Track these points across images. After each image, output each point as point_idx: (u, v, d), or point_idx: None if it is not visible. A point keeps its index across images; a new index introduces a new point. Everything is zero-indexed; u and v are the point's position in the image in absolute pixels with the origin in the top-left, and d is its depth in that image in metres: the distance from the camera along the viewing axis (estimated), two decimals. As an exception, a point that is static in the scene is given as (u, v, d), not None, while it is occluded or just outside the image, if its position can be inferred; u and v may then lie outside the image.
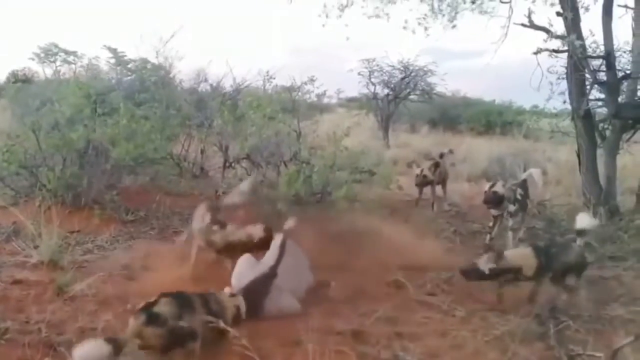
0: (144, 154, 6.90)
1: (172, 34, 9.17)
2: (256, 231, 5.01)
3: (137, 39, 9.37)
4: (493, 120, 22.03)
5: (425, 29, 8.94)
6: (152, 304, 3.32)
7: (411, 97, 19.29)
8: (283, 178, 6.53)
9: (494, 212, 6.69)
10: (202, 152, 9.19)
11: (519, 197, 6.62)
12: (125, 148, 6.50)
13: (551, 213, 7.42)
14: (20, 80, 15.59)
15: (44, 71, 21.67)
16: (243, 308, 3.83)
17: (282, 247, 4.72)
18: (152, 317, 3.24)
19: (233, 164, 8.51)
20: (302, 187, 6.44)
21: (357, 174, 6.95)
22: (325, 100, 19.58)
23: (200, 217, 5.34)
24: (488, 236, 6.75)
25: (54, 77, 14.10)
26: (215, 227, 5.14)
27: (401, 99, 18.67)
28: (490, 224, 6.79)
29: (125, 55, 10.54)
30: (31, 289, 4.60)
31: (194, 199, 7.57)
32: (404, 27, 9.08)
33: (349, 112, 22.00)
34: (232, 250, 5.02)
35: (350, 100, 24.84)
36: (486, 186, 6.67)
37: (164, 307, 3.31)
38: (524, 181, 6.92)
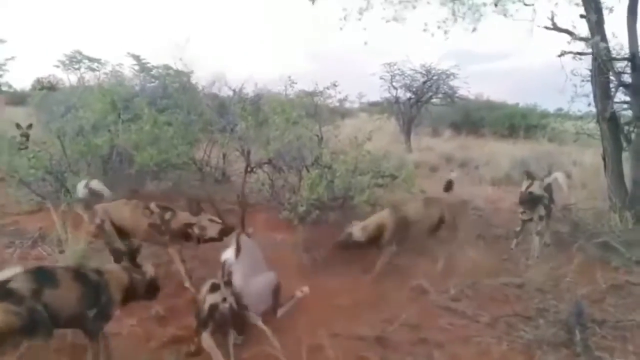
0: (167, 159, 6.95)
1: (188, 38, 9.22)
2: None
3: (159, 46, 9.43)
4: (517, 123, 21.83)
5: (445, 32, 8.91)
6: (6, 280, 3.17)
7: (433, 100, 19.16)
8: (305, 182, 6.51)
9: (523, 216, 6.60)
10: (224, 157, 9.21)
11: (546, 201, 6.54)
12: (149, 153, 6.56)
13: (576, 217, 7.29)
14: (46, 87, 15.83)
15: (68, 78, 21.97)
16: (150, 273, 3.81)
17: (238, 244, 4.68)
18: (6, 293, 3.10)
19: (255, 169, 8.50)
20: (324, 192, 6.41)
21: (379, 178, 6.90)
22: (347, 104, 19.53)
23: None
24: (514, 241, 6.66)
25: (78, 84, 14.27)
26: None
27: (423, 102, 18.58)
28: (517, 228, 6.68)
29: (149, 62, 10.64)
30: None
31: (216, 204, 7.59)
32: (424, 30, 9.04)
33: (371, 117, 21.92)
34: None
35: (372, 104, 24.80)
36: (523, 186, 6.51)
37: (20, 284, 3.17)
38: (549, 185, 6.82)
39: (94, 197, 5.32)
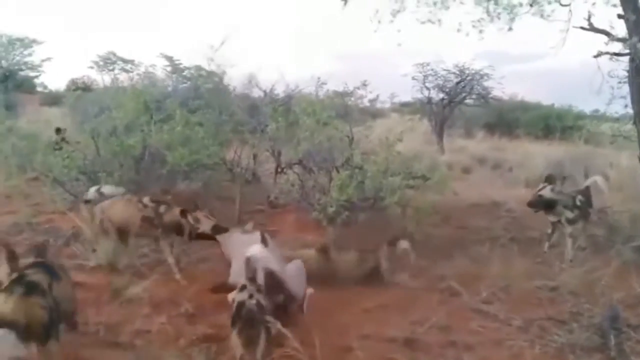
0: (199, 159, 6.98)
1: (223, 40, 9.23)
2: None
3: (192, 47, 9.52)
4: (552, 124, 21.48)
5: (480, 32, 8.78)
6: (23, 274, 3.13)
7: (467, 101, 18.86)
8: (335, 183, 6.48)
9: (551, 218, 6.51)
10: (255, 157, 9.24)
11: (578, 203, 6.41)
12: (181, 154, 6.60)
13: (612, 220, 7.13)
14: (80, 88, 16.11)
15: (102, 79, 22.31)
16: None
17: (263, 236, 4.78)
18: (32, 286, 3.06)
19: (285, 170, 8.52)
20: (354, 193, 6.38)
21: (410, 180, 6.83)
22: (378, 105, 19.37)
23: None
24: (546, 244, 6.55)
25: (112, 85, 14.48)
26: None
27: (456, 103, 18.33)
28: (549, 230, 6.59)
29: (181, 63, 10.76)
30: (89, 291, 4.75)
31: (246, 205, 7.65)
32: (458, 30, 8.93)
33: (403, 117, 21.79)
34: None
35: (404, 105, 24.61)
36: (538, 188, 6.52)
37: (38, 276, 3.15)
38: (587, 188, 6.70)
39: (103, 199, 5.59)
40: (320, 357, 3.71)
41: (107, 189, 5.71)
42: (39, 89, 31.10)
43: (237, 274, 4.69)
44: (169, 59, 10.79)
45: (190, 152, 6.77)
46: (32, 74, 27.77)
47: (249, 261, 4.08)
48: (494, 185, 11.05)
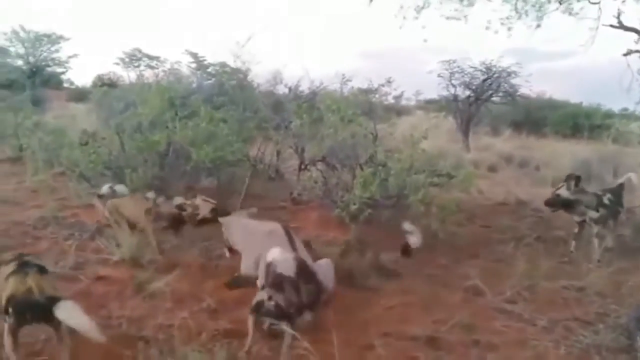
0: (222, 156, 6.99)
1: (248, 37, 9.26)
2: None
3: (217, 44, 9.58)
4: (580, 123, 21.20)
5: (509, 29, 8.69)
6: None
7: (493, 99, 18.68)
8: (358, 180, 6.44)
9: (576, 217, 6.43)
10: (278, 154, 9.24)
11: (607, 202, 6.29)
12: (205, 151, 6.62)
13: (640, 220, 7.02)
14: (106, 84, 16.32)
15: (128, 75, 22.61)
16: None
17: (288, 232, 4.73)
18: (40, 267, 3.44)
19: (308, 166, 8.51)
20: (378, 190, 6.33)
21: (435, 177, 6.76)
22: (403, 102, 19.40)
23: None
24: (573, 243, 6.45)
25: (137, 81, 14.63)
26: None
27: (483, 100, 18.16)
28: (575, 230, 6.50)
29: (206, 60, 10.83)
30: (113, 285, 4.79)
31: (269, 201, 7.66)
32: (487, 28, 8.84)
33: (427, 115, 21.64)
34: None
35: (429, 102, 24.46)
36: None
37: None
38: (620, 186, 6.58)
39: (115, 195, 5.86)
40: (341, 355, 3.67)
41: (118, 188, 5.99)
42: (65, 85, 31.64)
43: (249, 266, 4.76)
44: (194, 55, 10.89)
45: (214, 149, 6.78)
46: (59, 70, 28.32)
47: (269, 267, 4.06)
48: (521, 184, 10.92)
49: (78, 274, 4.98)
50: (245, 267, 4.82)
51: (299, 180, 8.43)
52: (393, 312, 4.59)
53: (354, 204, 6.33)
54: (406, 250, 5.47)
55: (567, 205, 6.34)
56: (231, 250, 5.24)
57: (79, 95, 25.42)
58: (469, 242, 6.75)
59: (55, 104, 22.48)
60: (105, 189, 5.95)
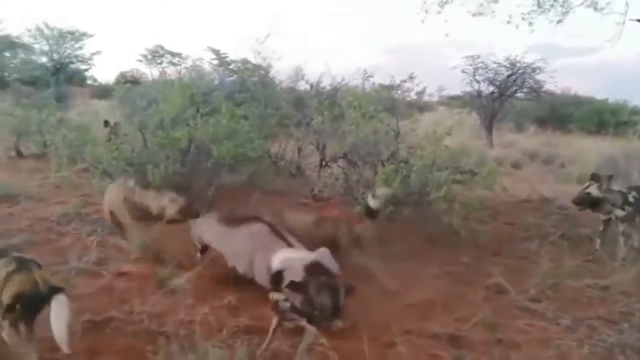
0: (244, 152, 6.99)
1: (268, 33, 9.26)
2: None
3: (239, 40, 9.61)
4: (606, 119, 20.94)
5: (530, 24, 8.60)
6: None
7: (518, 94, 18.58)
8: (380, 177, 6.39)
9: (602, 216, 6.36)
10: (299, 150, 9.23)
11: (632, 200, 6.18)
12: (226, 147, 6.62)
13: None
14: (129, 81, 16.47)
15: (151, 72, 22.74)
16: None
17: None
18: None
19: (330, 163, 8.48)
20: (399, 187, 6.28)
21: (458, 174, 6.69)
22: (426, 98, 19.28)
23: None
24: (598, 241, 6.35)
25: (160, 78, 14.73)
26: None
27: (507, 96, 18.06)
28: (600, 228, 6.43)
29: (227, 56, 10.86)
30: (135, 281, 4.85)
31: (290, 198, 7.65)
32: (508, 22, 8.76)
33: (451, 111, 21.48)
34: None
35: (452, 98, 24.32)
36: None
37: None
38: None
39: None
40: (362, 352, 3.67)
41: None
42: (88, 81, 31.98)
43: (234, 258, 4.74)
44: (216, 52, 10.93)
45: (235, 146, 6.78)
46: (82, 67, 28.62)
47: (278, 275, 4.04)
48: (545, 181, 10.81)
49: (100, 270, 5.03)
50: (231, 258, 4.80)
51: (320, 177, 8.40)
52: (414, 310, 4.57)
53: (375, 200, 6.28)
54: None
55: (595, 203, 6.27)
56: (203, 251, 5.19)
57: (102, 92, 25.66)
58: (492, 239, 6.69)
59: (78, 101, 22.75)
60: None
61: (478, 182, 6.84)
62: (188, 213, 5.22)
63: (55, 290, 3.29)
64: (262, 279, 4.34)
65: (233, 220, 5.03)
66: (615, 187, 6.36)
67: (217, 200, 6.68)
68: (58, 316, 3.19)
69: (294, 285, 3.80)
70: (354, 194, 6.91)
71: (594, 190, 6.22)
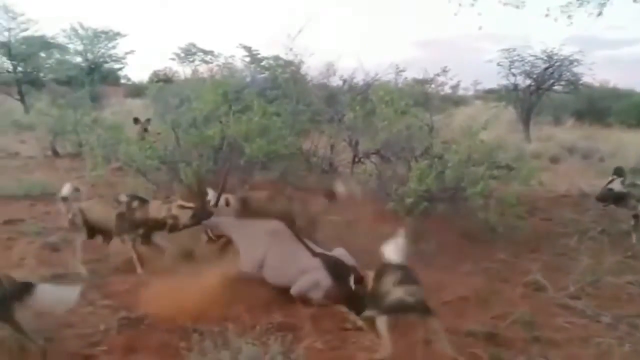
0: (276, 149, 6.98)
1: (300, 29, 9.21)
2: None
3: (270, 37, 9.58)
4: (646, 112, 20.31)
5: (569, 16, 8.41)
6: None
7: (555, 88, 18.35)
8: (414, 173, 6.30)
9: (627, 211, 6.33)
10: (332, 147, 9.18)
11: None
12: (259, 144, 6.61)
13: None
14: (162, 79, 16.62)
15: (183, 70, 22.92)
16: None
17: None
18: None
19: (362, 159, 8.42)
20: (434, 183, 6.19)
21: (494, 169, 6.57)
22: (461, 92, 19.04)
23: None
24: (634, 236, 6.26)
25: (192, 76, 14.83)
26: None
27: (544, 90, 17.82)
28: (632, 222, 6.38)
29: (259, 53, 10.86)
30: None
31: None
32: (546, 15, 8.58)
33: (487, 104, 21.20)
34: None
35: (488, 91, 23.94)
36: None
37: None
38: None
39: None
40: (398, 348, 3.64)
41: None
42: (122, 81, 32.43)
43: (249, 265, 4.79)
44: (248, 49, 10.94)
45: (267, 143, 6.77)
46: (116, 66, 29.04)
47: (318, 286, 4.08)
48: (584, 175, 10.58)
49: (135, 267, 5.10)
50: (245, 265, 4.82)
51: (352, 174, 8.36)
52: (450, 307, 4.50)
53: (409, 197, 6.21)
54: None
55: (619, 199, 6.19)
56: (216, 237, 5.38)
57: (136, 91, 26.06)
58: (530, 235, 6.55)
59: (112, 100, 23.17)
60: (67, 189, 5.51)
61: (515, 177, 6.70)
62: (202, 216, 5.18)
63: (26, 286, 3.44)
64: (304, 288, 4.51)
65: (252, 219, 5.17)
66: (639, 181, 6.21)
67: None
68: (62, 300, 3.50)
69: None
70: (387, 191, 6.83)
71: (616, 186, 6.14)
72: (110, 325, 4.00)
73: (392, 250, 3.97)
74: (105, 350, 3.69)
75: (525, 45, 17.33)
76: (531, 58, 17.49)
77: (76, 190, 5.66)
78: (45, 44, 25.20)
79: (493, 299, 4.71)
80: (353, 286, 4.22)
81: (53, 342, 3.71)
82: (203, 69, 16.41)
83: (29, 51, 24.47)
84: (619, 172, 6.21)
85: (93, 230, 5.36)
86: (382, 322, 3.68)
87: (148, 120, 9.81)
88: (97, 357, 3.61)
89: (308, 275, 4.51)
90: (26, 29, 24.40)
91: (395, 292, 3.69)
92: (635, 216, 6.23)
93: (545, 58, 17.29)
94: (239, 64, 11.50)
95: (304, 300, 4.48)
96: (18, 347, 3.50)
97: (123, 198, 5.34)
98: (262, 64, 10.52)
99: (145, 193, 6.90)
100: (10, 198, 7.45)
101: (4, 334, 3.55)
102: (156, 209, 5.20)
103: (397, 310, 3.68)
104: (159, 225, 5.21)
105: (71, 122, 11.79)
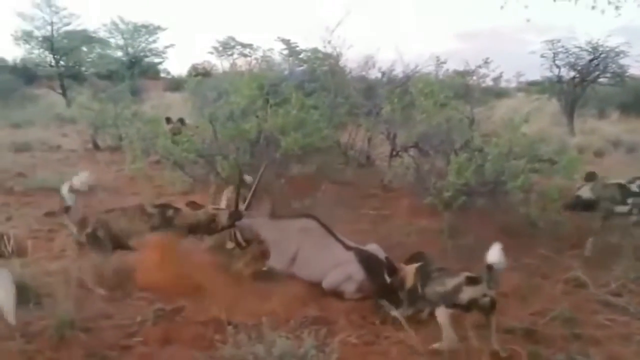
0: (312, 143, 6.95)
1: (339, 21, 9.13)
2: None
3: (309, 29, 9.52)
4: (694, 105, 19.57)
5: (617, 8, 8.16)
6: None
7: (600, 80, 17.84)
8: (452, 167, 6.20)
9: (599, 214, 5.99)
10: (369, 140, 9.11)
11: (637, 189, 5.81)
12: (294, 138, 6.59)
13: None
14: (200, 73, 16.75)
15: (221, 64, 23.08)
16: None
17: None
18: None
19: (400, 153, 8.33)
20: (473, 177, 6.07)
21: (536, 163, 6.40)
22: (503, 84, 18.72)
23: None
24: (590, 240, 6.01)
25: (230, 70, 14.91)
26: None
27: (589, 82, 17.37)
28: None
29: (298, 46, 10.83)
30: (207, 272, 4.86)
31: (360, 189, 7.56)
32: (593, 7, 8.34)
33: (529, 97, 20.82)
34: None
35: (531, 83, 23.51)
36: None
37: None
38: None
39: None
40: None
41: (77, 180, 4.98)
42: (162, 74, 32.92)
43: (279, 262, 4.89)
44: (286, 42, 10.93)
45: (303, 136, 6.75)
46: (156, 60, 29.49)
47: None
48: (629, 169, 10.22)
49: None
50: (276, 262, 4.90)
51: (390, 167, 8.30)
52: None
53: (448, 190, 6.11)
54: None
55: (588, 206, 5.92)
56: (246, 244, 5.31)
57: (175, 84, 26.42)
58: (572, 231, 6.37)
59: (152, 94, 23.52)
60: (67, 194, 4.95)
61: (557, 171, 6.51)
62: (236, 217, 5.17)
63: None
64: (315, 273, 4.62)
65: (283, 218, 5.24)
66: (614, 181, 5.95)
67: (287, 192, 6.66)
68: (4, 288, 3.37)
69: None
70: (425, 184, 6.74)
71: (585, 193, 5.89)
72: (146, 316, 4.04)
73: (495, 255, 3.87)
74: (141, 341, 3.74)
75: (570, 36, 16.88)
76: (576, 49, 17.04)
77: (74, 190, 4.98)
78: (87, 38, 25.76)
79: (532, 295, 4.64)
80: (388, 279, 4.17)
81: (91, 332, 3.76)
82: (241, 62, 16.52)
83: (71, 45, 25.07)
84: (589, 177, 5.96)
85: (117, 245, 4.90)
86: (443, 314, 3.68)
87: (181, 120, 9.92)
88: (134, 348, 3.68)
89: (340, 268, 4.50)
90: (68, 23, 25.07)
91: (467, 292, 3.67)
92: (604, 217, 5.94)
93: (590, 49, 16.81)
94: (277, 57, 11.53)
95: (336, 294, 4.47)
96: (58, 337, 3.57)
97: (152, 209, 5.03)
98: (301, 56, 10.49)
99: (181, 186, 7.01)
100: (51, 190, 7.57)
101: (46, 323, 3.64)
102: (191, 214, 5.09)
103: (467, 308, 3.67)
104: (197, 229, 5.14)
105: (111, 115, 12.02)
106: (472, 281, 3.69)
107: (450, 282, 3.74)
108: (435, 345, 3.66)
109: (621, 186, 5.87)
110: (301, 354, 3.33)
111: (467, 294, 3.66)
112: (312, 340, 3.44)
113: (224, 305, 4.08)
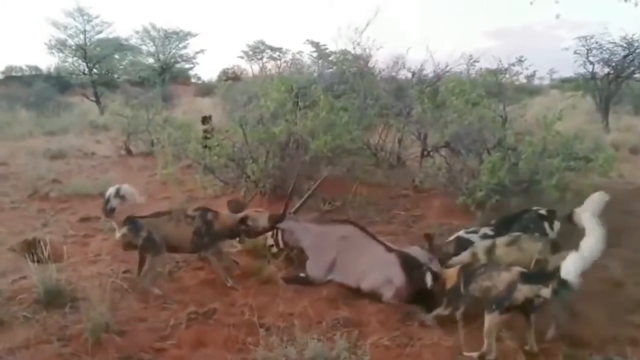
0: (341, 144, 6.94)
1: (368, 22, 9.13)
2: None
3: (338, 31, 9.46)
4: None
5: (651, 0, 7.97)
6: None
7: (635, 76, 17.52)
8: (485, 166, 6.12)
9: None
10: (400, 141, 9.06)
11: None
12: (324, 140, 6.59)
13: None
14: (230, 77, 16.92)
15: (251, 68, 23.25)
16: None
17: None
18: None
19: (431, 153, 8.25)
20: (507, 176, 6.00)
21: (571, 161, 6.29)
22: (536, 81, 18.45)
23: None
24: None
25: (260, 74, 15.01)
26: None
27: (624, 78, 17.05)
28: None
29: (327, 48, 10.87)
30: (236, 274, 4.93)
31: (390, 190, 7.50)
32: (626, 0, 8.15)
33: (563, 94, 20.45)
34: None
35: (565, 80, 23.08)
36: None
37: None
38: None
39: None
40: (468, 345, 3.62)
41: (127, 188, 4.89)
42: (193, 80, 33.25)
43: (317, 270, 4.80)
44: (315, 44, 11.01)
45: (333, 138, 6.75)
46: (186, 65, 29.82)
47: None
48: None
49: (204, 264, 5.16)
50: (313, 270, 4.81)
51: (421, 167, 8.25)
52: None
53: (481, 190, 6.05)
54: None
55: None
56: (284, 247, 5.30)
57: (206, 89, 26.68)
58: (608, 230, 6.20)
59: (183, 99, 23.77)
60: (113, 198, 4.79)
61: (593, 168, 6.39)
62: (278, 220, 5.11)
63: None
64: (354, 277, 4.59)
65: (323, 224, 5.21)
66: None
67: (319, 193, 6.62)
68: None
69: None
70: (457, 184, 6.67)
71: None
72: (179, 319, 4.06)
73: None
74: (174, 344, 3.75)
75: (603, 32, 16.55)
76: (610, 45, 16.67)
77: (122, 197, 4.85)
78: (119, 45, 26.17)
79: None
80: (429, 284, 4.09)
81: (126, 335, 3.79)
82: (271, 65, 16.66)
83: (104, 53, 25.48)
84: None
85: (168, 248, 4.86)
86: (494, 320, 3.53)
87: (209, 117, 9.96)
88: (167, 351, 3.67)
89: (381, 271, 4.45)
90: (100, 32, 25.51)
91: (522, 291, 3.52)
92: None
93: (625, 45, 16.45)
94: (306, 59, 11.59)
95: (375, 296, 4.42)
96: (93, 340, 3.60)
97: (194, 213, 4.97)
98: (330, 58, 10.53)
99: (212, 190, 7.05)
100: (86, 196, 7.70)
101: (81, 327, 3.68)
102: (230, 217, 5.02)
103: (521, 308, 3.55)
104: (234, 233, 5.07)
105: (144, 121, 12.20)
106: (527, 278, 3.55)
107: (502, 279, 3.60)
108: (474, 355, 3.52)
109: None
110: (333, 357, 3.31)
111: (522, 293, 3.51)
112: (344, 343, 3.43)
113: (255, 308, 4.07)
